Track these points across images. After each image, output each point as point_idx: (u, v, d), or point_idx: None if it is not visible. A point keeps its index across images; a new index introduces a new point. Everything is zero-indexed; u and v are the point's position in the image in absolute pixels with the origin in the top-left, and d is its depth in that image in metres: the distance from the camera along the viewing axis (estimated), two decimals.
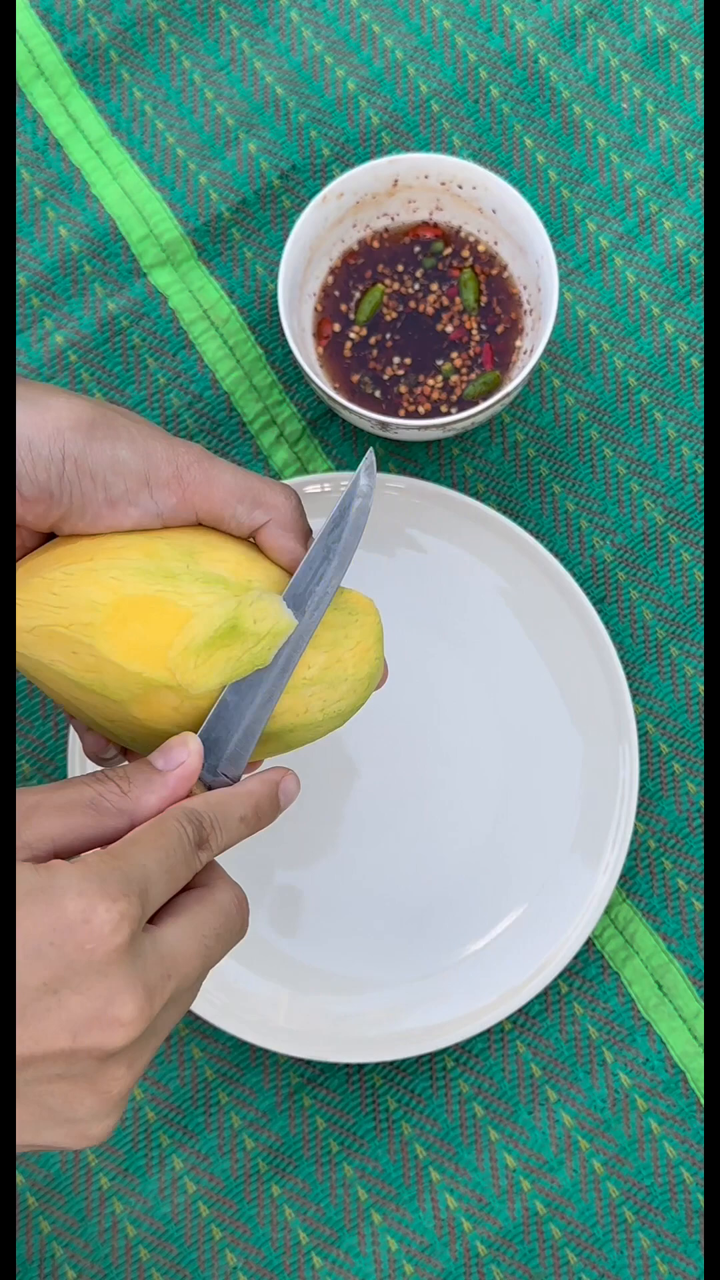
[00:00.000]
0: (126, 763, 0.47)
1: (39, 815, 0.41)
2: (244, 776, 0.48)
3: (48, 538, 0.48)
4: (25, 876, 0.39)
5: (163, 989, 0.40)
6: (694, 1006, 0.60)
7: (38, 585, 0.45)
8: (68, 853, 0.42)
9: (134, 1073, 0.40)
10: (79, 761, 0.61)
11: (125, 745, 0.48)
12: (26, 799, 0.42)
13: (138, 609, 0.44)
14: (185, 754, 0.44)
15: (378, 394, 0.64)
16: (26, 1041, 0.39)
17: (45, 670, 0.45)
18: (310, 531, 0.48)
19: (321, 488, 0.63)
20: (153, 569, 0.45)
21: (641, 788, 0.62)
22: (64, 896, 0.39)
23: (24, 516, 0.45)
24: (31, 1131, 0.40)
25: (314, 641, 0.47)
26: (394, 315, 0.65)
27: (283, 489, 0.47)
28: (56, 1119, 0.40)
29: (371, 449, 0.50)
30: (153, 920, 0.42)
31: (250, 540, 0.47)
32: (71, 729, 0.59)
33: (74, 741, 0.60)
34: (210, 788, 0.46)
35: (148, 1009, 0.39)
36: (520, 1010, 0.60)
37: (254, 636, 0.45)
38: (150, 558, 0.45)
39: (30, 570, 0.45)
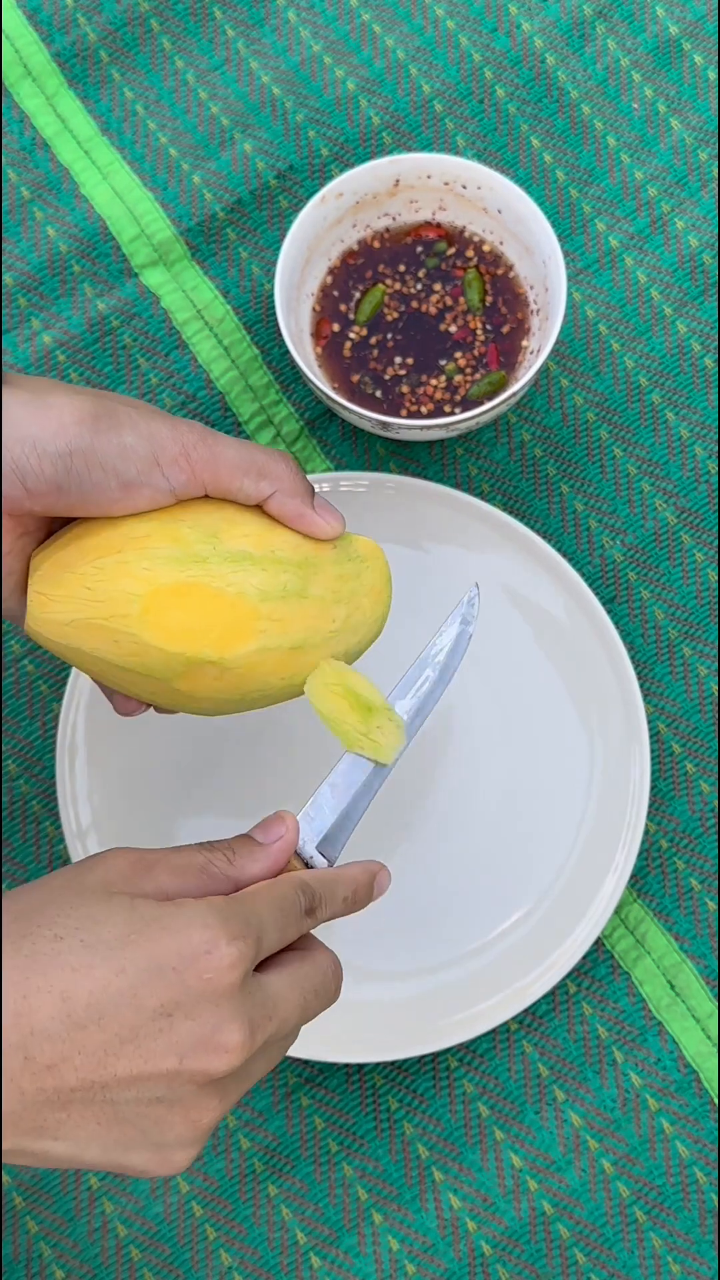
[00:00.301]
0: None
1: (157, 871, 0.71)
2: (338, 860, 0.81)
3: (54, 520, 0.82)
4: (150, 905, 0.68)
5: (264, 1028, 0.69)
6: (708, 1006, 0.97)
7: (71, 581, 0.77)
8: None
9: (225, 1106, 0.69)
10: (69, 762, 0.98)
11: (162, 710, 0.82)
12: (146, 856, 0.72)
13: (176, 596, 0.77)
14: (283, 829, 0.76)
15: (378, 394, 1.03)
16: (136, 1060, 0.64)
17: (85, 656, 0.78)
18: (313, 490, 0.80)
19: (320, 488, 1.02)
20: (181, 555, 0.77)
21: (654, 788, 1.00)
22: (190, 927, 0.66)
23: (31, 508, 0.75)
24: (121, 1151, 0.68)
25: (334, 594, 0.80)
26: (395, 315, 1.05)
27: (282, 457, 0.79)
28: (146, 1142, 0.68)
29: (477, 586, 0.84)
30: (259, 969, 0.72)
31: (258, 508, 0.81)
32: (62, 730, 0.97)
33: (64, 741, 0.98)
34: (306, 864, 0.78)
35: (250, 1042, 0.68)
36: (527, 1010, 0.95)
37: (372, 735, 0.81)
38: (176, 543, 0.77)
39: (59, 565, 0.77)
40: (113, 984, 0.66)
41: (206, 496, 0.79)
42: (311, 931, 0.77)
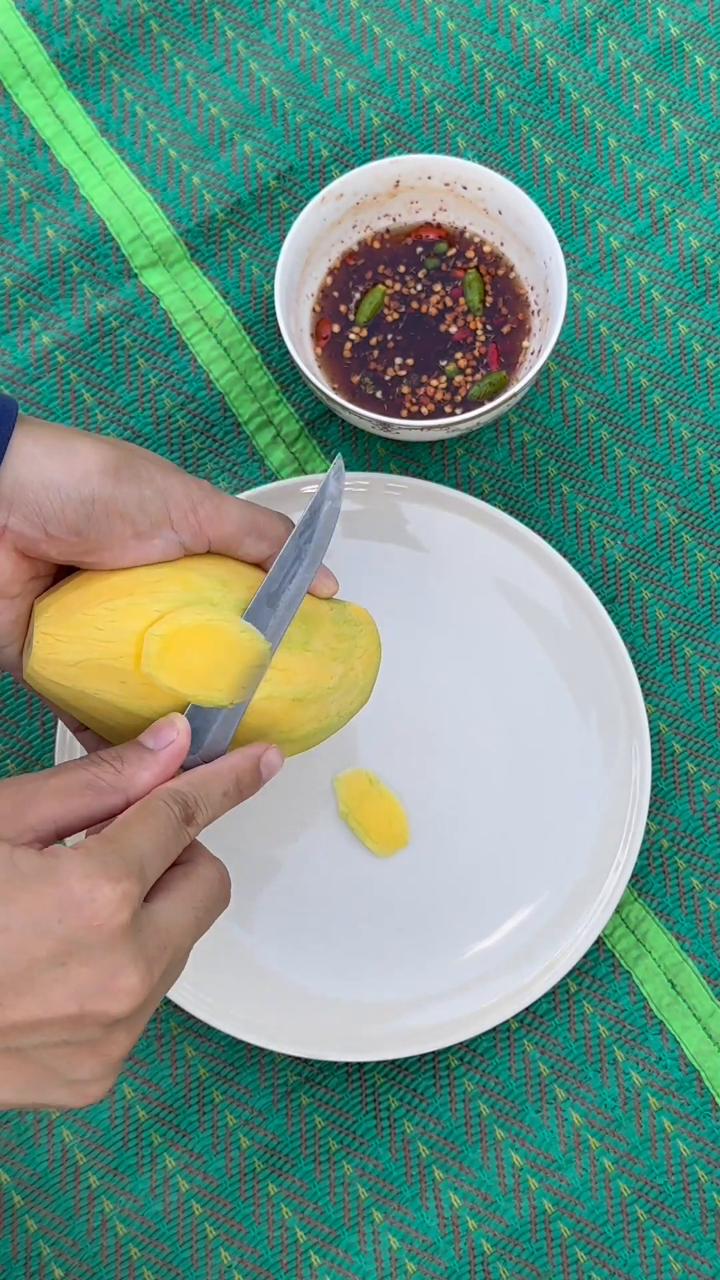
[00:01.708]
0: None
1: (40, 800, 0.74)
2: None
3: (59, 569, 0.83)
4: (29, 859, 0.71)
5: (160, 960, 0.73)
6: (709, 1005, 0.99)
7: (81, 621, 0.80)
8: (68, 833, 0.76)
9: (132, 1038, 0.73)
10: (61, 761, 1.00)
11: None
12: (25, 786, 0.75)
13: (194, 637, 0.80)
14: (174, 733, 0.78)
15: (379, 394, 1.06)
16: (34, 1008, 0.69)
17: (87, 699, 0.81)
18: None
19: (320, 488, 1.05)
20: (194, 599, 0.81)
21: (654, 787, 1.02)
22: (69, 878, 0.69)
23: (47, 552, 0.80)
24: (35, 1091, 0.72)
25: (331, 654, 0.83)
26: (395, 316, 1.07)
27: (281, 520, 0.84)
28: (60, 1080, 0.72)
29: (340, 454, 0.89)
30: (147, 897, 0.75)
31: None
32: (60, 730, 0.99)
33: (61, 741, 1.00)
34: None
35: (149, 979, 0.72)
36: (527, 1009, 0.97)
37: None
38: (188, 589, 0.81)
39: (66, 608, 0.80)
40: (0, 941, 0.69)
41: (209, 553, 0.84)
42: (199, 841, 0.80)
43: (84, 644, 0.80)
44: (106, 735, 0.84)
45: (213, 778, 0.80)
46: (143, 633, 0.80)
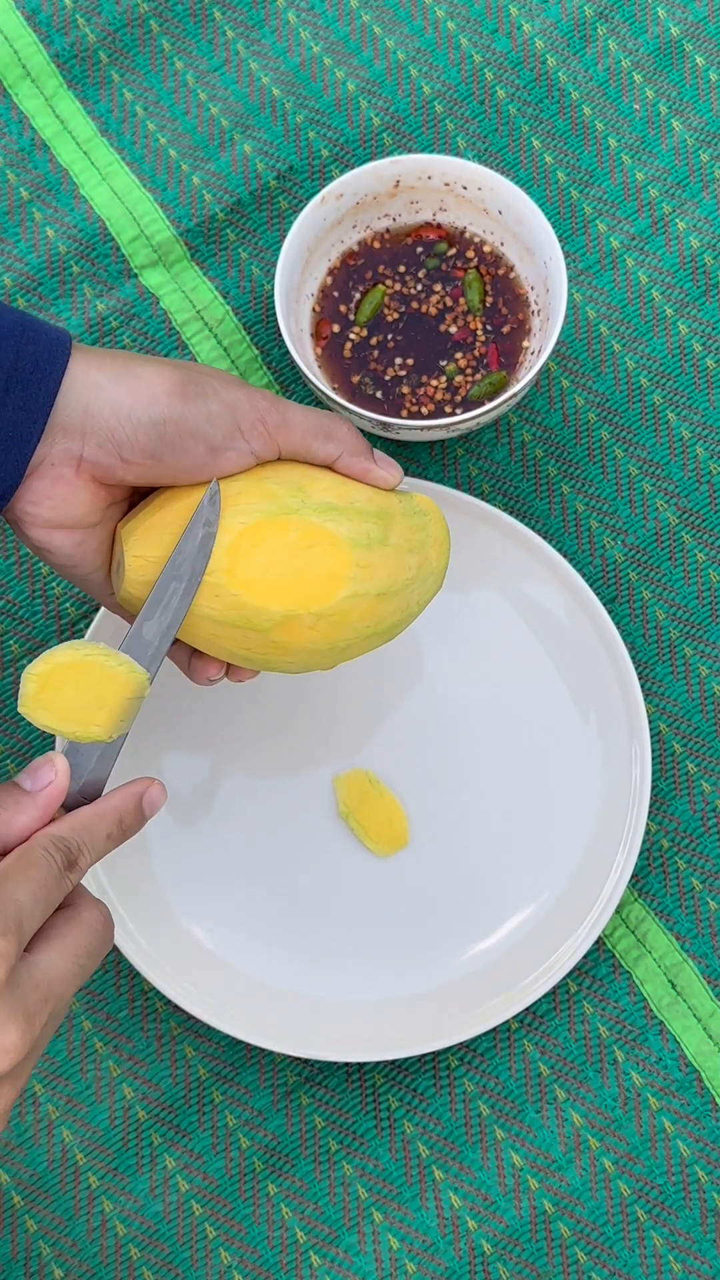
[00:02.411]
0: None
1: None
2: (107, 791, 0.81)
3: (135, 492, 0.84)
4: None
5: (41, 1012, 0.71)
6: (709, 1006, 0.99)
7: (170, 542, 0.81)
8: None
9: (17, 1087, 0.72)
10: None
11: (259, 668, 0.85)
12: None
13: (70, 674, 0.78)
14: (53, 774, 0.77)
15: (379, 395, 1.06)
16: None
17: (188, 615, 0.82)
18: (370, 447, 0.86)
19: None
20: (274, 508, 0.82)
21: (655, 787, 1.03)
22: None
23: (124, 477, 0.81)
24: None
25: (408, 544, 0.85)
26: (395, 316, 1.08)
27: (344, 422, 0.86)
28: None
29: (216, 481, 0.86)
30: (28, 946, 0.73)
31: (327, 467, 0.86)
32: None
33: (60, 742, 1.01)
34: (68, 806, 0.79)
35: (29, 1034, 0.70)
36: (528, 1009, 0.98)
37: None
38: (268, 499, 0.83)
39: (152, 529, 0.82)
40: None
41: (280, 459, 0.85)
42: (80, 884, 0.79)
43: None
44: (203, 648, 0.85)
45: (96, 820, 0.79)
46: (233, 544, 0.82)
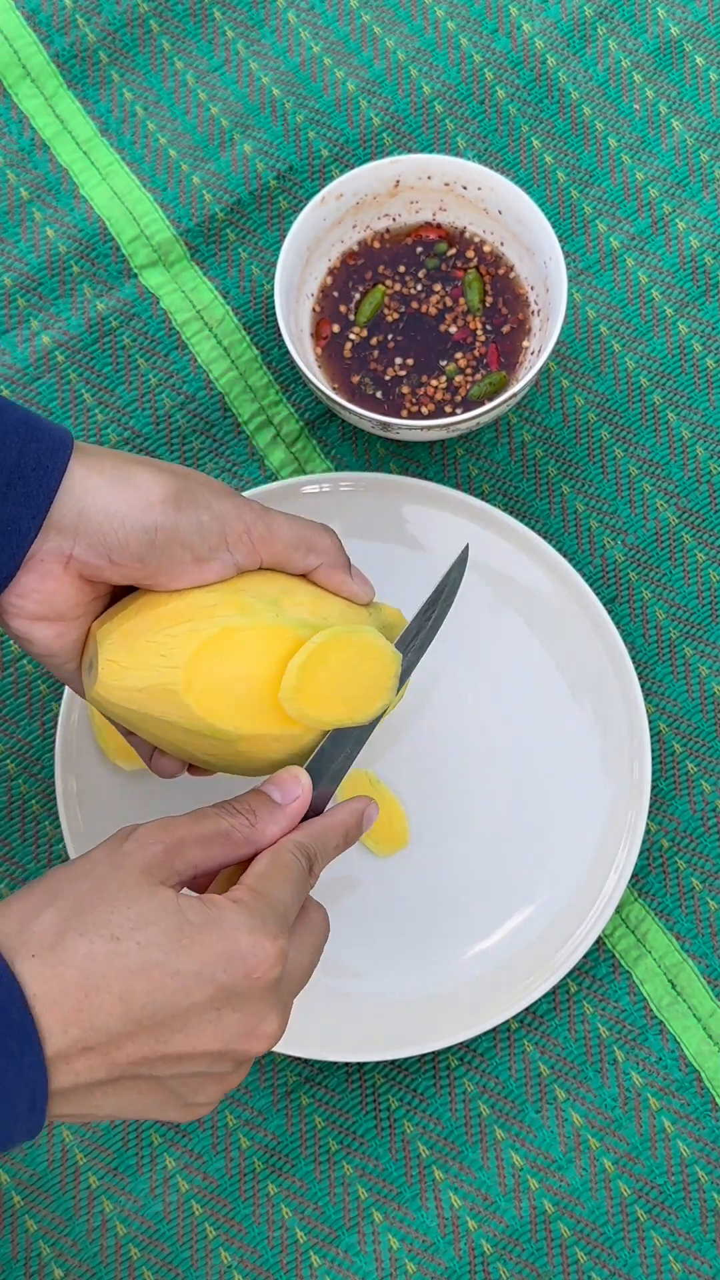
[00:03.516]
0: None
1: (186, 848, 0.79)
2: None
3: (116, 588, 0.86)
4: (196, 909, 0.76)
5: (291, 1004, 0.79)
6: (709, 1005, 1.00)
7: (145, 648, 0.83)
8: (202, 876, 0.81)
9: (247, 1070, 0.79)
10: (61, 760, 1.01)
11: (218, 770, 0.87)
12: (173, 832, 0.79)
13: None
14: (299, 789, 0.83)
15: (379, 395, 1.07)
16: (184, 1045, 0.74)
17: (152, 720, 0.83)
18: (349, 561, 0.88)
19: (320, 488, 1.06)
20: (249, 622, 0.83)
21: (654, 787, 1.03)
22: (237, 932, 0.75)
23: (110, 577, 0.83)
24: (156, 1110, 0.77)
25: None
26: (395, 316, 1.08)
27: (327, 532, 0.88)
28: (179, 1103, 0.77)
29: (468, 544, 0.90)
30: None
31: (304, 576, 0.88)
32: (60, 730, 1.01)
33: (61, 741, 1.01)
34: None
35: (285, 1023, 0.78)
36: (527, 1009, 0.98)
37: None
38: (243, 612, 0.84)
39: (129, 634, 0.83)
40: (168, 984, 0.74)
41: (260, 568, 0.88)
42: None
43: (150, 670, 0.83)
44: (169, 749, 0.87)
45: (328, 831, 0.85)
46: (195, 654, 0.83)
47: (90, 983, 0.73)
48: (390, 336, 1.06)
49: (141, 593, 0.86)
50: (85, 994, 0.73)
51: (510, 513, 1.06)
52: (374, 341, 1.06)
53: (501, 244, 1.06)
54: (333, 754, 0.87)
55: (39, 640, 0.85)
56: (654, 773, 1.02)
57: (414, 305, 1.06)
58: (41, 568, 0.83)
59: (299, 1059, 0.98)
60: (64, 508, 0.82)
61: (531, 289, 1.05)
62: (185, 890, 0.80)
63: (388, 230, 1.07)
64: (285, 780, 0.84)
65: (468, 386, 1.04)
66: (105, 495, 0.83)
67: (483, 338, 1.05)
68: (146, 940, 0.75)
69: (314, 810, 0.86)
